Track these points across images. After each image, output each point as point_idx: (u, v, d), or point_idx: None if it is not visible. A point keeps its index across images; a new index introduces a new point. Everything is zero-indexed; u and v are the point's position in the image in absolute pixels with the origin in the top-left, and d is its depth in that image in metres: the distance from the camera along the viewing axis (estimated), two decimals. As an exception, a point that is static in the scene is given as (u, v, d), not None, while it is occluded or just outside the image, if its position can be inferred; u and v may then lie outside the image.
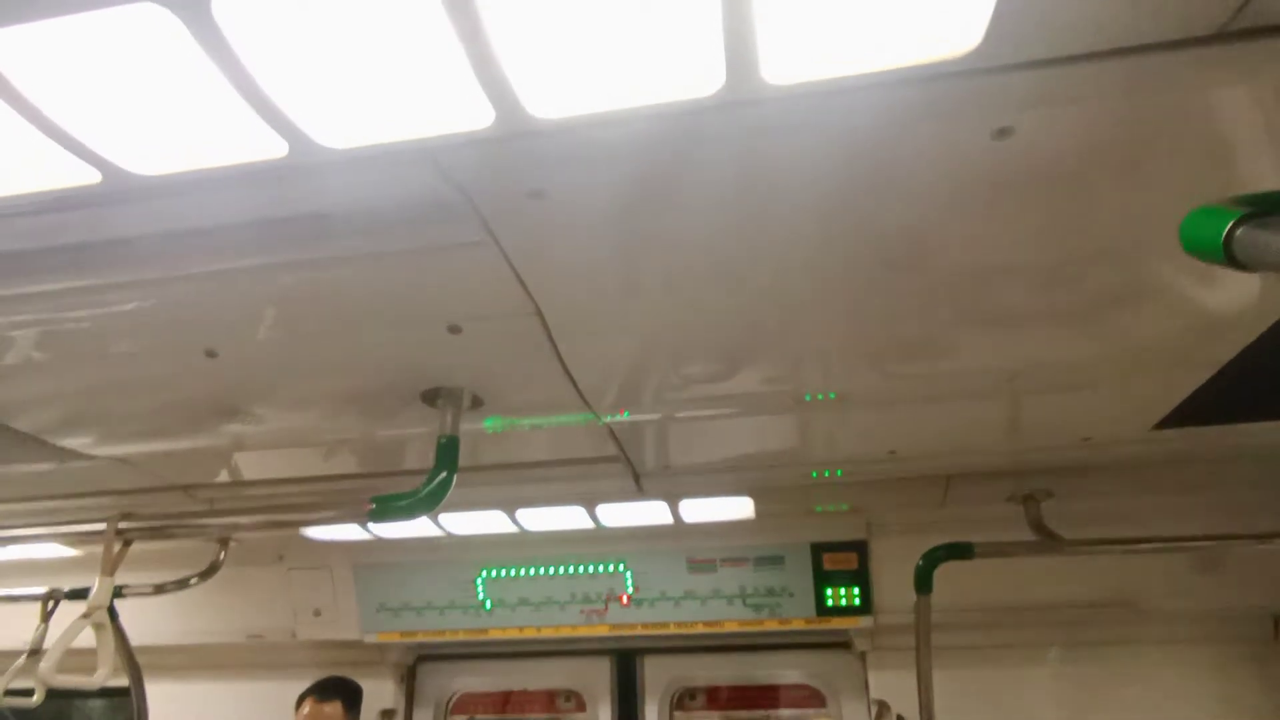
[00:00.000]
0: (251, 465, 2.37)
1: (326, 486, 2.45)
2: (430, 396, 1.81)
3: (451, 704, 3.62)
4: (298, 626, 3.41)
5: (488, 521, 2.88)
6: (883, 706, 3.07)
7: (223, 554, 2.61)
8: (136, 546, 2.03)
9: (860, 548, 3.05)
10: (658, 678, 3.43)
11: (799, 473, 2.49)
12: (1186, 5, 0.85)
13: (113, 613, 1.97)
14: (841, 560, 3.06)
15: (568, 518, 2.83)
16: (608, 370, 1.75)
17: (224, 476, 2.46)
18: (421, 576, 3.33)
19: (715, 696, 3.47)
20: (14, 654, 2.12)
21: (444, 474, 1.77)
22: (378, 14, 0.86)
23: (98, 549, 1.99)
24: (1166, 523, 2.53)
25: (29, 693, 1.96)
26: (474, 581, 3.29)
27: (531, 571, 3.26)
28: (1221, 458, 2.39)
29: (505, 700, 3.64)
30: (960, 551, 2.50)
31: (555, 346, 1.58)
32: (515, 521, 2.88)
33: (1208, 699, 2.89)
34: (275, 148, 1.02)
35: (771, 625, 3.09)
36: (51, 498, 2.55)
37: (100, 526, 1.95)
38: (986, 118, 1.00)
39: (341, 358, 1.66)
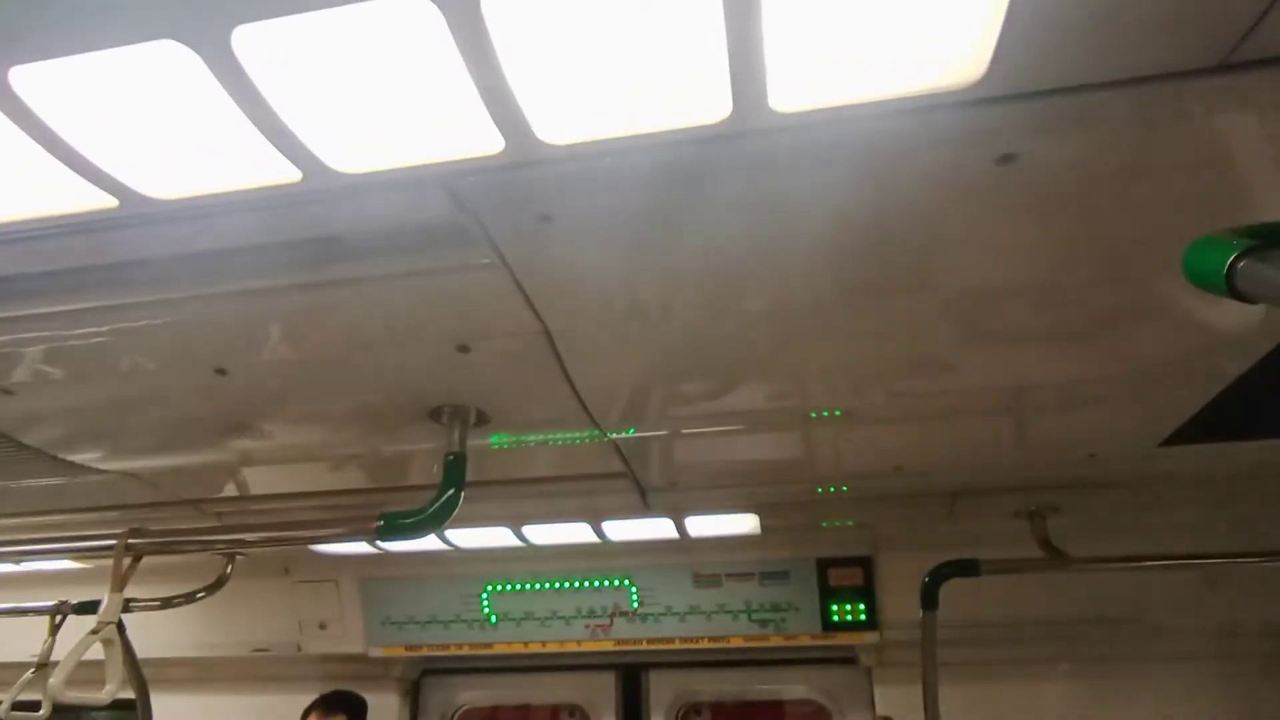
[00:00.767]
0: (259, 480, 2.39)
1: (333, 501, 2.46)
2: (437, 414, 1.83)
3: (456, 718, 3.61)
4: (303, 640, 3.41)
5: (493, 536, 2.89)
6: (888, 722, 3.05)
7: (229, 568, 2.63)
8: (144, 560, 2.04)
9: (866, 563, 3.05)
10: (663, 693, 3.42)
11: (804, 488, 2.49)
12: (1188, 37, 0.87)
13: (120, 627, 1.98)
14: (847, 576, 3.05)
15: (573, 533, 2.84)
16: (614, 388, 1.76)
17: (232, 491, 2.47)
18: (427, 590, 3.33)
19: (721, 711, 3.45)
20: (21, 666, 2.13)
21: (451, 491, 1.78)
22: (389, 44, 0.88)
23: (105, 562, 2.00)
24: (1173, 539, 2.52)
25: (36, 705, 1.97)
26: (479, 596, 3.29)
27: (537, 586, 3.26)
28: (1228, 474, 2.39)
29: (509, 715, 3.63)
30: (966, 568, 2.49)
31: (562, 365, 1.60)
32: (521, 536, 2.88)
33: (1216, 715, 2.87)
34: (289, 174, 1.04)
35: (777, 640, 3.08)
36: (61, 512, 2.57)
37: (110, 542, 1.96)
38: (990, 145, 1.01)
39: (350, 376, 1.67)
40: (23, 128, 0.95)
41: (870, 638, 3.03)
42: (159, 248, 1.23)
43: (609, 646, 3.21)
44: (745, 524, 2.83)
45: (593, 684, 3.46)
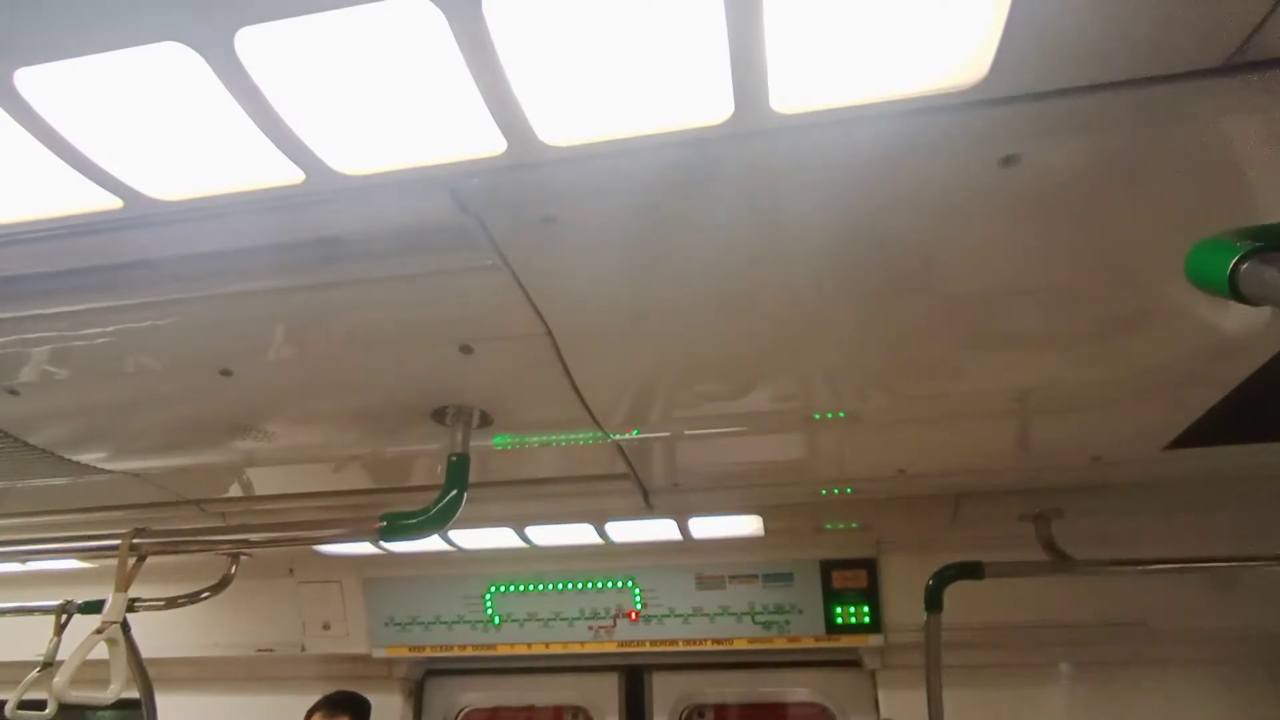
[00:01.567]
0: (263, 481, 2.39)
1: (337, 502, 2.47)
2: (440, 415, 1.83)
3: (459, 719, 3.61)
4: (307, 640, 3.42)
5: (497, 537, 2.89)
6: (892, 726, 3.04)
7: (234, 568, 2.63)
8: (149, 561, 2.05)
9: (870, 565, 3.04)
10: (666, 695, 3.42)
11: (808, 490, 2.49)
12: (1192, 38, 0.86)
13: (125, 627, 1.99)
14: (851, 578, 3.05)
15: (577, 534, 2.83)
16: (617, 389, 1.76)
17: (236, 491, 2.48)
18: (430, 591, 3.33)
19: (724, 714, 3.45)
20: (26, 666, 2.14)
21: (454, 492, 1.78)
22: (391, 46, 0.88)
23: (110, 562, 2.01)
24: (1178, 543, 2.51)
25: (41, 705, 1.98)
26: (482, 597, 3.29)
27: (540, 587, 3.26)
28: (1233, 478, 2.38)
29: (512, 716, 3.63)
30: (970, 571, 2.48)
31: (565, 366, 1.60)
32: (524, 537, 2.88)
33: (1222, 720, 2.85)
34: (293, 175, 1.04)
35: (780, 643, 3.07)
36: (66, 512, 2.58)
37: (115, 542, 1.97)
38: (993, 146, 1.01)
39: (354, 377, 1.67)
40: (28, 129, 0.95)
41: (874, 640, 3.02)
42: (163, 249, 1.23)
43: (612, 648, 3.20)
44: (748, 526, 2.82)
45: (596, 685, 3.46)
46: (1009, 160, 1.02)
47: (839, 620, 3.03)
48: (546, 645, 3.24)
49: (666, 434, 2.02)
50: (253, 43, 0.85)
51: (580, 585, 3.23)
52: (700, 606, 3.13)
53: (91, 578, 3.11)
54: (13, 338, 1.49)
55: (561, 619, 3.23)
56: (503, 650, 3.27)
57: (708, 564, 3.13)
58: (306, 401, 1.82)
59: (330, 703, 3.16)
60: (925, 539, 2.88)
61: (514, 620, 3.26)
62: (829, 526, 2.98)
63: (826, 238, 1.19)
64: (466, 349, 1.53)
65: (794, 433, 2.03)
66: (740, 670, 3.35)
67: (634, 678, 3.45)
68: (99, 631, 1.83)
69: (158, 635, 3.06)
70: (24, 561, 3.12)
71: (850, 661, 3.23)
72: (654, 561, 3.14)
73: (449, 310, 1.42)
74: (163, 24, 0.82)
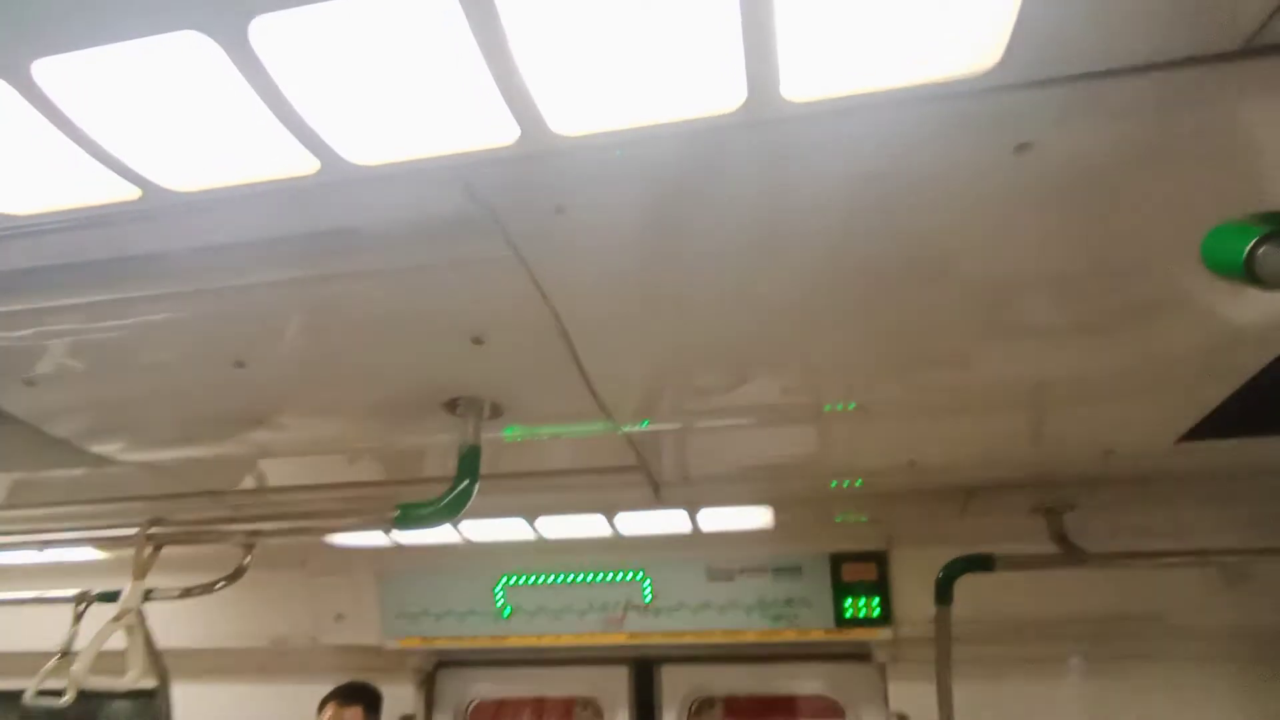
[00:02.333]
0: (277, 472, 2.41)
1: (349, 493, 2.48)
2: (452, 406, 1.83)
3: (470, 710, 3.63)
4: (320, 631, 3.45)
5: (508, 529, 2.90)
6: (902, 719, 3.04)
7: (248, 559, 2.65)
8: (166, 551, 2.07)
9: (880, 558, 3.03)
10: (675, 687, 3.42)
11: (818, 482, 2.49)
12: (1208, 22, 0.85)
13: (141, 616, 2.01)
14: (861, 571, 3.04)
15: (587, 526, 2.84)
16: (628, 381, 1.76)
17: (250, 483, 2.50)
18: (442, 583, 3.35)
19: (733, 707, 3.45)
20: (43, 655, 2.17)
21: (466, 482, 1.79)
22: (404, 35, 0.89)
23: (127, 552, 2.03)
24: (1191, 536, 2.49)
25: (58, 693, 2.00)
26: (493, 589, 3.31)
27: (550, 579, 3.27)
28: (1247, 472, 2.36)
29: (523, 707, 3.65)
30: (981, 563, 2.48)
31: (576, 357, 1.60)
32: (535, 529, 2.89)
33: (1235, 715, 2.83)
34: (307, 165, 1.05)
35: (790, 635, 3.07)
36: (84, 502, 2.60)
37: (132, 531, 1.99)
38: (1006, 133, 1.00)
39: (366, 368, 1.68)
40: (46, 119, 0.96)
41: (884, 634, 3.01)
42: (180, 240, 1.24)
43: (622, 640, 3.21)
44: (758, 518, 2.82)
45: (605, 678, 3.47)
46: (1023, 148, 1.02)
47: (849, 613, 3.03)
48: (557, 637, 3.26)
49: (677, 425, 2.03)
50: (267, 31, 0.86)
51: (590, 577, 3.24)
52: (709, 599, 3.13)
53: (108, 570, 3.14)
54: (30, 330, 1.51)
55: (571, 611, 3.24)
56: (513, 642, 3.29)
57: (717, 556, 3.13)
58: (319, 393, 1.83)
59: (342, 693, 3.18)
60: (936, 531, 2.87)
61: (524, 612, 3.28)
62: (839, 519, 2.98)
63: (838, 226, 1.19)
64: (478, 340, 1.53)
65: (805, 424, 2.03)
66: (750, 663, 3.35)
67: (643, 670, 3.46)
68: (117, 619, 1.85)
69: (173, 626, 3.08)
70: (42, 549, 3.16)
71: (860, 655, 3.22)
72: (664, 554, 3.15)
73: (461, 301, 1.42)
74: (178, 13, 0.83)
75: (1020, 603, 2.83)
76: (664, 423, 2.00)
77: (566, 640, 3.25)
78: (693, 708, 3.43)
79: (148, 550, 1.99)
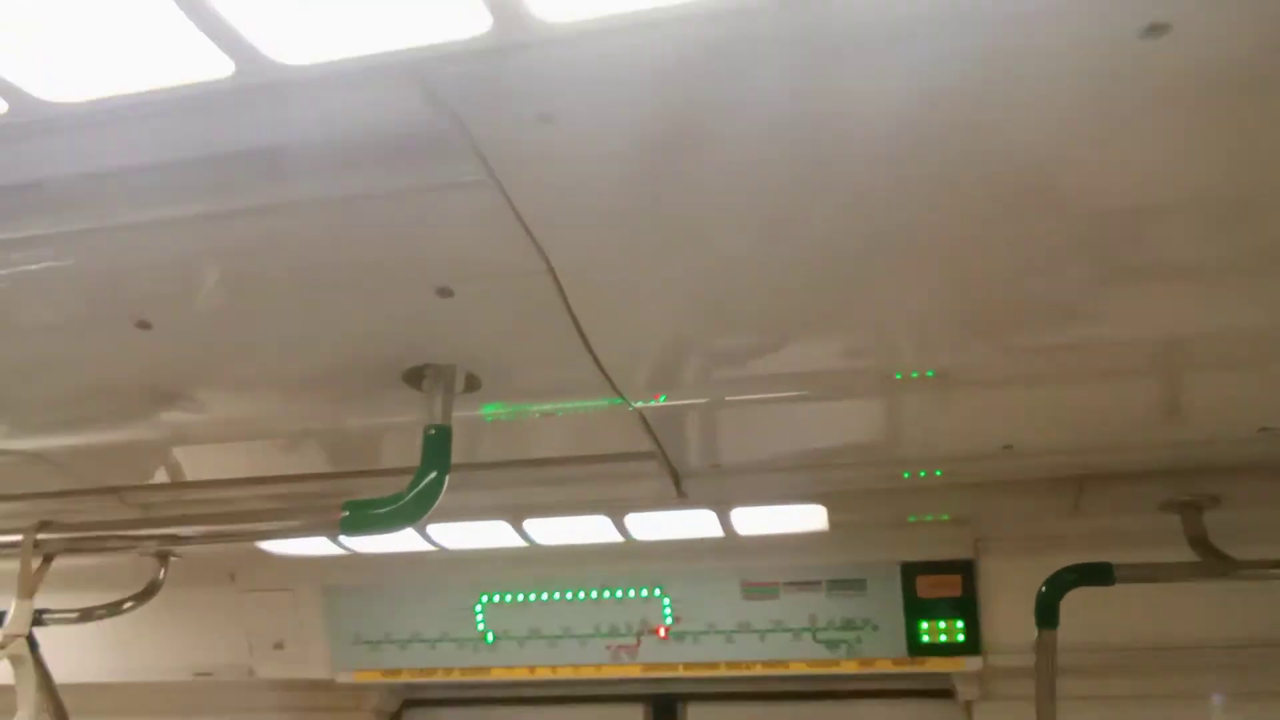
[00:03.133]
0: (196, 463, 2.45)
1: (288, 489, 2.52)
2: (415, 377, 1.85)
3: (445, 760, 3.73)
4: (255, 662, 3.53)
5: (488, 534, 2.94)
6: (993, 771, 3.09)
7: (163, 572, 2.71)
8: (59, 563, 2.11)
9: (965, 569, 3.05)
10: (704, 731, 3.49)
11: (886, 473, 2.50)
12: None
13: (32, 643, 2.06)
14: (941, 585, 3.06)
15: (589, 530, 2.87)
16: (638, 342, 1.77)
17: (163, 477, 2.54)
18: (407, 602, 3.41)
19: (778, 756, 3.52)
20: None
21: (433, 474, 1.81)
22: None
23: (9, 564, 2.08)
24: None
25: (-69, 739, 2.07)
26: (472, 608, 3.36)
27: (544, 597, 3.32)
28: None
29: (513, 757, 3.73)
30: (1096, 575, 2.49)
31: (571, 312, 1.61)
32: (523, 534, 2.93)
33: None
34: (219, 66, 1.05)
35: (850, 667, 3.11)
36: (-48, 503, 2.66)
37: (15, 538, 2.03)
38: (1134, 10, 0.98)
39: (304, 329, 1.70)
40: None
41: (970, 664, 3.04)
42: (59, 165, 1.25)
43: (636, 673, 3.26)
44: (809, 519, 2.84)
45: (616, 720, 3.54)
46: (1155, 29, 1.00)
47: (925, 639, 3.06)
48: (553, 669, 3.31)
49: (703, 400, 2.04)
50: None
51: (595, 595, 3.29)
52: (747, 621, 3.17)
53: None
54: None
55: (571, 636, 3.29)
56: (498, 675, 3.35)
57: (756, 567, 3.16)
58: (247, 361, 1.86)
59: (286, 739, 3.28)
60: (1038, 535, 2.88)
61: (512, 638, 3.33)
62: (913, 519, 3.00)
63: (906, 135, 1.18)
64: (446, 291, 1.54)
65: (868, 398, 2.04)
66: (798, 701, 3.40)
67: (664, 710, 3.53)
68: (1, 647, 1.90)
69: (73, 656, 3.17)
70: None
71: (940, 690, 3.26)
72: (688, 564, 3.18)
73: (422, 240, 1.43)
74: None
75: (1146, 624, 2.84)
76: (687, 397, 2.01)
77: (565, 673, 3.30)
78: (726, 757, 3.50)
79: (36, 562, 2.03)
